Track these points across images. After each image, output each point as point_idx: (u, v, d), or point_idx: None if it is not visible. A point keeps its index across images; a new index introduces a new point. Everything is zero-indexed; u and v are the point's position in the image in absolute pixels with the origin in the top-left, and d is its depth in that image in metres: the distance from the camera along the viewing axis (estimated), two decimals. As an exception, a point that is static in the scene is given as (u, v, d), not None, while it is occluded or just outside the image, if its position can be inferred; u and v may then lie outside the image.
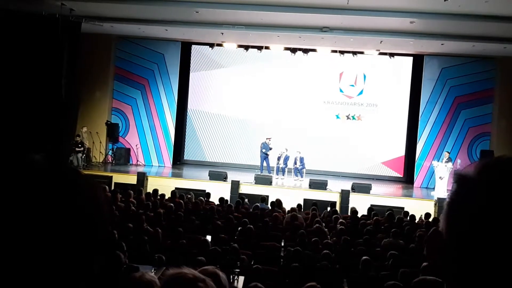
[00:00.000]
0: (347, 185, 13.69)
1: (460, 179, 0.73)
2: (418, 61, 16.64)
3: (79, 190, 0.77)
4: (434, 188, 14.18)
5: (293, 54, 16.42)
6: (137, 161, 16.94)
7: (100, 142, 16.41)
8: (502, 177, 0.68)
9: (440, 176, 13.69)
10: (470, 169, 0.73)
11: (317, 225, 8.35)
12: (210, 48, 16.92)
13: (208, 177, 13.80)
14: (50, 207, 0.72)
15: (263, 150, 15.62)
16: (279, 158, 15.76)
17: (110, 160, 16.65)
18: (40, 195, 0.73)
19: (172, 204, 9.25)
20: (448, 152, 14.55)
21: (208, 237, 7.00)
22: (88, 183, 0.79)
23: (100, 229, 0.78)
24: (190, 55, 17.91)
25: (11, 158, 0.78)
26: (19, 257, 0.70)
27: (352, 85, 17.30)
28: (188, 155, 18.14)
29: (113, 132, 16.83)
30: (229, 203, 10.68)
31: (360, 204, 11.70)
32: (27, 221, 0.70)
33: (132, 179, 13.27)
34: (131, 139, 17.11)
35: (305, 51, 16.33)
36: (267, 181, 13.71)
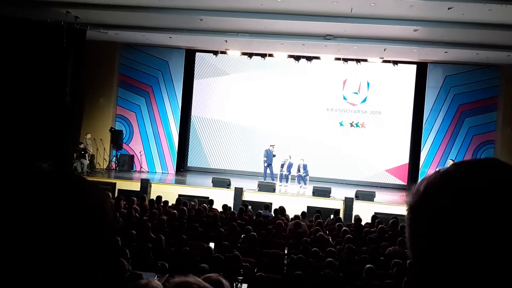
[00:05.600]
0: (350, 192, 13.65)
1: (424, 185, 0.74)
2: (422, 68, 16.65)
3: (86, 198, 0.78)
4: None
5: (296, 61, 16.46)
6: (141, 167, 16.96)
7: (104, 149, 16.46)
8: (468, 182, 0.70)
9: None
10: (435, 175, 0.74)
11: (321, 232, 8.32)
12: (214, 56, 16.99)
13: (212, 184, 13.80)
14: (57, 214, 0.73)
15: (267, 158, 15.63)
16: (282, 165, 15.75)
17: (113, 166, 16.68)
18: (48, 202, 0.73)
19: (175, 211, 9.25)
20: (452, 160, 14.52)
21: (211, 244, 6.98)
22: (95, 190, 0.80)
23: (107, 236, 0.79)
24: (194, 63, 17.99)
25: (18, 166, 0.79)
26: (27, 262, 0.70)
27: (356, 93, 17.31)
28: (191, 162, 18.16)
29: (117, 139, 16.87)
30: (232, 210, 10.66)
31: (364, 212, 11.66)
32: (35, 228, 0.71)
33: (135, 186, 13.29)
34: (135, 146, 17.14)
35: (309, 58, 16.36)
36: (271, 188, 13.69)
